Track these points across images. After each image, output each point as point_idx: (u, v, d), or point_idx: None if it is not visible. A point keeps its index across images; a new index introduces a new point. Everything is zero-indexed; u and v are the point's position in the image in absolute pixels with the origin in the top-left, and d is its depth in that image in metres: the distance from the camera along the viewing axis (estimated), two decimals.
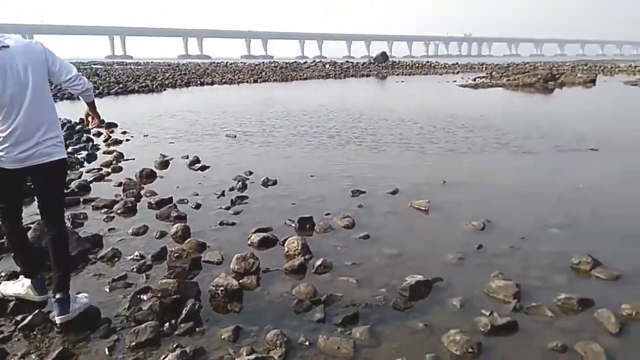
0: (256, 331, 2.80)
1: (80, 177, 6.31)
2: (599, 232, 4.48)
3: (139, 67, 48.87)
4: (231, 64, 54.37)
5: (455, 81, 27.70)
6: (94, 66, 49.55)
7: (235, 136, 9.76)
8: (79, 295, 3.02)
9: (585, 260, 3.60)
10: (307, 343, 2.67)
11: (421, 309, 3.05)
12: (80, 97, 3.22)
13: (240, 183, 6.02)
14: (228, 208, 5.16)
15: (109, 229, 4.54)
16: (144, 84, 25.10)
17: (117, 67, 49.13)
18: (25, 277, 3.07)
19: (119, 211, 5.05)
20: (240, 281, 3.37)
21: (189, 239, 4.18)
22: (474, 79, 28.27)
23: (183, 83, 27.34)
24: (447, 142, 8.92)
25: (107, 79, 28.33)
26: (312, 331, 2.79)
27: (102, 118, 3.79)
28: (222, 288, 3.18)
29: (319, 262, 3.65)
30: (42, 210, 2.95)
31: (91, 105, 3.38)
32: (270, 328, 2.78)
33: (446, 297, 3.18)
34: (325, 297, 3.13)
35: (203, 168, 7.02)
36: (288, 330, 2.76)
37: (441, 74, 37.17)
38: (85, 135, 9.64)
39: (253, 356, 2.43)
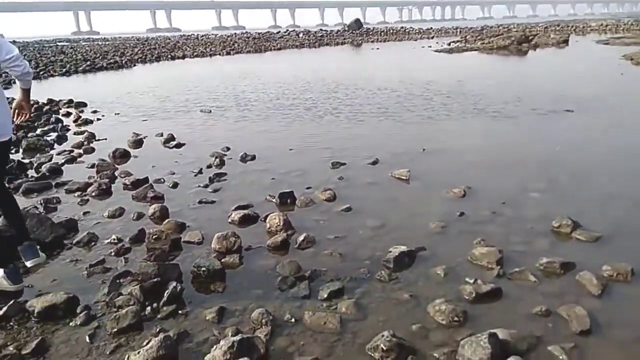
0: (240, 311, 2.75)
1: (50, 160, 6.08)
2: (578, 194, 4.52)
3: (107, 42, 47.29)
4: (202, 36, 52.96)
5: (430, 46, 27.53)
6: (59, 43, 47.82)
7: (210, 111, 9.54)
8: None
9: (566, 223, 3.64)
10: (292, 320, 2.64)
11: (406, 279, 3.04)
12: (18, 81, 3.13)
13: (217, 160, 5.90)
14: (206, 186, 5.05)
15: (84, 213, 4.41)
16: (112, 60, 24.31)
17: (83, 43, 47.45)
18: None
19: (93, 194, 4.90)
20: (223, 260, 3.32)
21: (167, 220, 4.09)
22: (449, 44, 28.13)
23: (153, 58, 26.57)
24: (425, 109, 8.88)
25: (74, 56, 27.32)
26: (298, 308, 2.76)
27: (31, 113, 3.65)
28: (204, 269, 3.12)
29: (301, 238, 3.60)
30: None
31: (26, 93, 3.23)
32: (254, 307, 2.74)
33: (430, 266, 3.18)
34: (309, 273, 3.10)
35: (178, 145, 6.85)
36: (273, 308, 2.73)
37: (416, 40, 36.87)
38: (54, 116, 9.29)
39: (238, 337, 2.39)
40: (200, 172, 5.54)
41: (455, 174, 5.09)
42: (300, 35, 45.85)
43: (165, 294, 2.85)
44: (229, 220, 4.10)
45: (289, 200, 4.49)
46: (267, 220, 3.93)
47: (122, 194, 4.95)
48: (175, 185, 5.11)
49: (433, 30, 46.87)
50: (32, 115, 3.33)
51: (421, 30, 47.55)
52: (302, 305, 2.79)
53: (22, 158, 6.42)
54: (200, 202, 4.58)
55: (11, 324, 2.66)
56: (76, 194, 4.92)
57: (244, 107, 9.83)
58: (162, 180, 5.28)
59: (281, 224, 3.80)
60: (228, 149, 6.47)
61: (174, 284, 2.92)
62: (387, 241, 3.55)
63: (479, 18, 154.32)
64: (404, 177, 5.05)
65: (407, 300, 2.81)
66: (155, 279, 2.97)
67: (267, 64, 22.64)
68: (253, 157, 6.04)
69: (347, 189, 4.79)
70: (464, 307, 2.69)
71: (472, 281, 2.93)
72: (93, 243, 3.75)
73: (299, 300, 2.85)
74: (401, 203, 4.47)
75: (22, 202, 4.73)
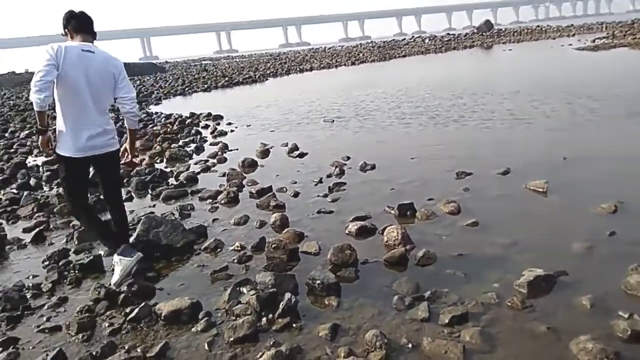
0: (354, 330, 2.63)
1: (188, 169, 6.61)
2: None
3: (244, 59, 51.07)
4: (329, 48, 54.60)
5: (571, 44, 25.05)
6: (204, 62, 52.72)
7: (333, 121, 9.66)
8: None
9: None
10: (409, 345, 2.44)
11: (543, 308, 2.66)
12: (125, 120, 3.50)
13: (337, 169, 5.89)
14: (326, 195, 5.05)
15: (213, 220, 4.65)
16: (247, 75, 26.09)
17: (223, 61, 51.87)
18: (114, 251, 3.42)
19: (222, 201, 5.18)
20: (338, 274, 3.23)
21: (287, 229, 4.13)
22: (593, 41, 25.31)
23: (284, 72, 27.96)
24: (566, 113, 7.99)
25: (215, 73, 29.90)
26: (415, 332, 2.55)
27: (137, 159, 4.12)
28: (318, 282, 3.06)
29: (421, 253, 3.38)
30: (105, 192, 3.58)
31: (132, 134, 3.61)
32: (369, 327, 2.60)
33: (573, 295, 2.75)
34: (429, 293, 2.87)
35: (301, 155, 7.01)
36: (388, 330, 2.56)
37: (554, 38, 33.87)
38: (195, 128, 10.16)
39: (351, 358, 2.27)
40: (320, 181, 5.57)
41: (604, 187, 4.44)
42: (426, 41, 44.90)
43: (280, 306, 2.84)
44: (346, 232, 4.02)
45: (408, 212, 4.28)
46: (384, 233, 3.76)
47: (248, 202, 5.15)
48: (296, 194, 5.19)
49: (574, 27, 42.67)
50: (136, 158, 3.77)
51: (560, 28, 43.58)
52: (420, 329, 2.58)
53: (165, 167, 7.07)
54: (319, 212, 4.58)
55: (141, 325, 2.85)
56: (207, 202, 5.25)
57: (364, 117, 9.79)
58: (285, 189, 5.40)
59: (399, 237, 3.61)
60: (348, 158, 6.44)
61: (290, 295, 2.90)
62: (520, 262, 3.17)
63: (629, 11, 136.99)
64: (541, 190, 4.53)
65: (544, 333, 2.44)
66: (272, 289, 2.98)
67: (390, 71, 22.47)
68: (373, 167, 5.93)
69: (473, 202, 4.42)
70: (617, 347, 2.25)
71: (626, 316, 2.46)
72: (219, 249, 3.93)
73: (417, 323, 2.63)
74: (537, 219, 3.99)
75: (161, 208, 5.18)
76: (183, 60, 68.29)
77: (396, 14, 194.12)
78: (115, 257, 3.37)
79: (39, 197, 5.72)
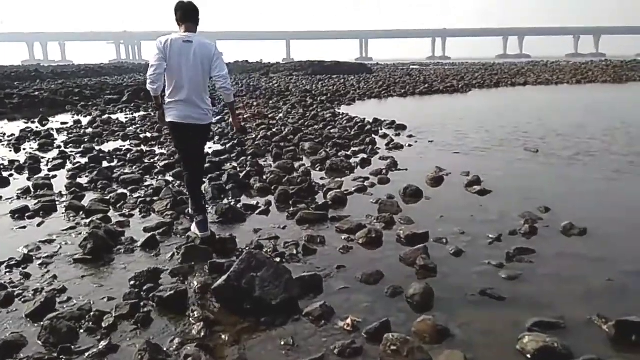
0: None
1: (340, 186, 5.64)
2: None
3: (453, 67, 48.89)
4: (552, 63, 48.72)
5: None
6: (412, 67, 52.09)
7: (537, 151, 7.69)
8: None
9: None
10: None
11: None
12: (221, 94, 4.13)
13: (527, 225, 4.25)
14: (501, 266, 3.54)
15: (338, 267, 3.57)
16: (449, 84, 24.34)
17: (430, 67, 50.42)
18: (195, 213, 4.14)
19: (360, 240, 4.07)
20: None
21: (426, 314, 2.82)
22: None
23: (492, 84, 25.39)
24: None
25: (417, 78, 28.81)
26: None
27: (242, 125, 4.94)
28: None
29: None
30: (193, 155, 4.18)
31: (230, 106, 4.30)
32: None
33: None
34: None
35: (482, 192, 5.45)
36: None
37: None
38: (372, 136, 9.23)
39: None
40: (498, 239, 4.04)
41: None
42: None
43: None
44: (518, 347, 2.53)
45: (634, 338, 2.56)
46: None
47: (392, 248, 3.95)
48: (458, 252, 3.79)
49: None
50: (241, 126, 4.72)
51: None
52: None
53: (321, 178, 6.25)
54: (483, 293, 3.13)
55: None
56: (344, 236, 4.20)
57: (584, 153, 7.53)
58: (445, 240, 4.03)
59: None
60: (547, 209, 4.70)
61: None
62: None
63: None
64: None
65: None
66: None
67: (626, 97, 18.32)
68: (583, 231, 4.13)
69: None
70: None
71: None
72: (324, 322, 2.83)
73: None
74: None
75: (289, 232, 4.32)
76: (392, 63, 68.76)
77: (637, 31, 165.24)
78: (193, 225, 4.16)
79: (183, 190, 5.40)
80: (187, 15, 3.92)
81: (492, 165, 6.84)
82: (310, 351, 2.55)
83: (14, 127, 11.02)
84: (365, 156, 7.53)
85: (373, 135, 9.38)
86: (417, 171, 6.46)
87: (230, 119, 4.30)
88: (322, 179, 6.25)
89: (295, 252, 3.83)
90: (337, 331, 2.74)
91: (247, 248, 3.84)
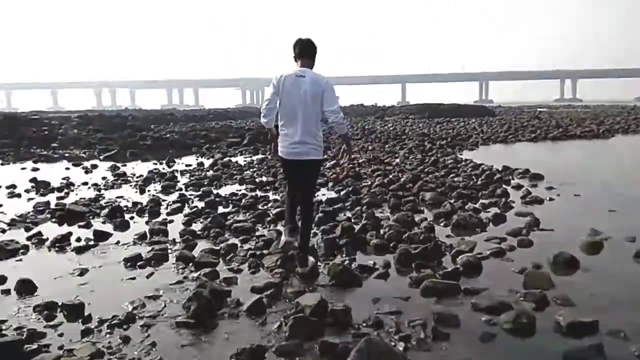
0: None
1: (472, 248, 4.81)
2: None
3: (587, 109, 44.76)
4: None
5: None
6: (539, 109, 48.69)
7: None
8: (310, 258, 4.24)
9: None
10: None
11: None
12: (334, 127, 4.19)
13: None
14: None
15: None
16: (587, 128, 21.92)
17: (562, 110, 46.69)
18: (285, 225, 4.25)
19: (505, 325, 3.24)
20: None
21: None
22: None
23: (638, 128, 22.40)
24: None
25: (548, 122, 26.50)
26: None
27: (353, 156, 5.72)
28: None
29: None
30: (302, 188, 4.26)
31: (344, 138, 4.43)
32: None
33: None
34: None
35: None
36: None
37: None
38: (503, 187, 8.18)
39: None
40: None
41: None
42: None
43: None
44: None
45: None
46: None
47: (549, 340, 3.07)
48: None
49: None
50: (351, 156, 5.01)
51: None
52: None
53: (447, 236, 5.46)
54: None
55: None
56: (483, 318, 3.39)
57: None
58: (623, 334, 3.04)
59: None
60: None
61: None
62: None
63: None
64: None
65: None
66: None
67: None
68: None
69: None
70: None
71: None
72: None
73: None
74: None
75: (418, 305, 3.61)
76: (517, 105, 64.99)
77: None
78: (282, 237, 4.31)
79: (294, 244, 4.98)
80: (304, 51, 4.05)
81: None
82: None
83: (144, 168, 11.72)
84: (498, 211, 6.57)
85: (504, 186, 8.32)
86: (567, 233, 5.40)
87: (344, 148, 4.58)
88: (448, 236, 5.46)
89: (422, 335, 3.13)
90: None
91: (364, 325, 3.23)
